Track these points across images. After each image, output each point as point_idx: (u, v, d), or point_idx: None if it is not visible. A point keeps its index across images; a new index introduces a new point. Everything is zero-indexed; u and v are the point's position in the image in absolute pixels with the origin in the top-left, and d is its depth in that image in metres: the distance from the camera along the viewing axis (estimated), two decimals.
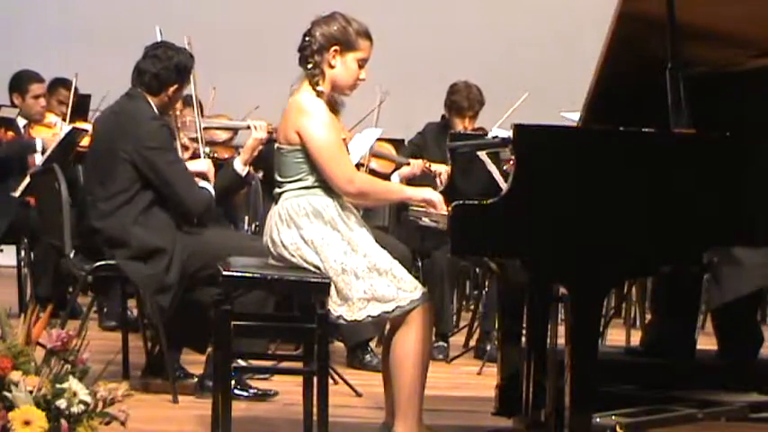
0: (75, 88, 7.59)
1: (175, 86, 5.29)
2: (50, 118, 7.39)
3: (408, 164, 6.78)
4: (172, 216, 5.19)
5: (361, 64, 4.23)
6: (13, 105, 7.43)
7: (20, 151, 7.15)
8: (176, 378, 5.18)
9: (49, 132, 7.22)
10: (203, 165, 5.51)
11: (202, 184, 5.36)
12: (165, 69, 5.25)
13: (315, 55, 4.21)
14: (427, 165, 6.81)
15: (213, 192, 5.38)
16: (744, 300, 4.85)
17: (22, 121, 7.37)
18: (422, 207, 4.33)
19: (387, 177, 6.73)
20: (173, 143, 5.30)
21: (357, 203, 4.25)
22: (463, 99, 6.97)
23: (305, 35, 4.24)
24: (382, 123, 7.03)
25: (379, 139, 6.82)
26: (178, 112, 5.65)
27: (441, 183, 6.42)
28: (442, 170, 6.50)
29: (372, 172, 6.66)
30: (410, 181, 6.64)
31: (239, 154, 6.05)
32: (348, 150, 4.34)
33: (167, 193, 5.16)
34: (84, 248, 5.27)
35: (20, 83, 7.43)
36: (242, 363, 4.58)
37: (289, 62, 4.34)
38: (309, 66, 4.22)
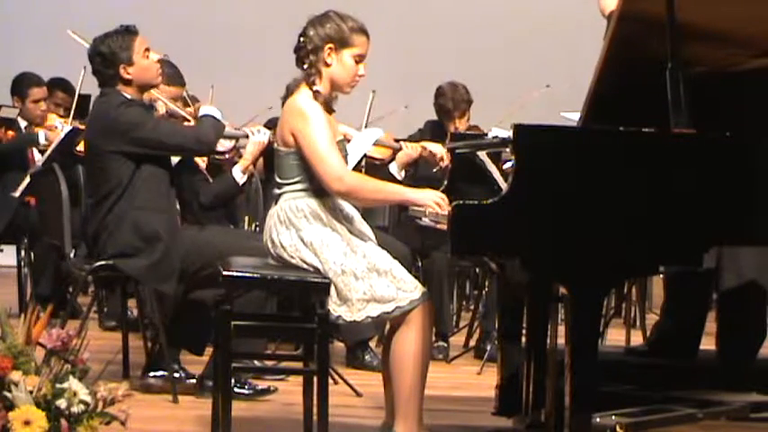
0: (77, 90, 7.60)
1: (122, 65, 5.18)
2: (52, 120, 7.39)
3: (401, 147, 6.72)
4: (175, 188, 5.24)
5: (358, 60, 4.22)
6: (14, 107, 7.44)
7: (21, 143, 7.15)
8: (176, 378, 5.18)
9: (52, 135, 7.22)
10: (205, 109, 5.44)
11: (204, 111, 5.35)
12: (101, 62, 5.19)
13: (310, 54, 4.20)
14: (426, 149, 6.75)
15: (217, 113, 5.33)
16: (754, 287, 4.87)
17: (22, 123, 7.37)
18: (420, 208, 4.32)
19: (385, 164, 6.73)
20: (147, 113, 5.23)
21: (351, 203, 4.24)
22: (448, 101, 6.99)
23: (300, 36, 4.23)
24: (380, 123, 7.03)
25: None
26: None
27: (442, 166, 6.39)
28: (441, 151, 6.43)
29: (371, 158, 6.63)
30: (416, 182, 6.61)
31: (240, 156, 6.01)
32: (347, 151, 4.34)
33: (169, 151, 5.18)
34: (88, 249, 5.28)
35: (21, 87, 7.44)
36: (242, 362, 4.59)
37: (288, 62, 4.33)
38: (305, 66, 4.22)
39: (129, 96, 5.19)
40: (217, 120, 5.33)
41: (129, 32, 5.25)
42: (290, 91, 4.24)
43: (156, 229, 5.08)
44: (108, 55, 5.18)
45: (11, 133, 7.26)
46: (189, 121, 5.54)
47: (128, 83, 5.21)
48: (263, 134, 5.62)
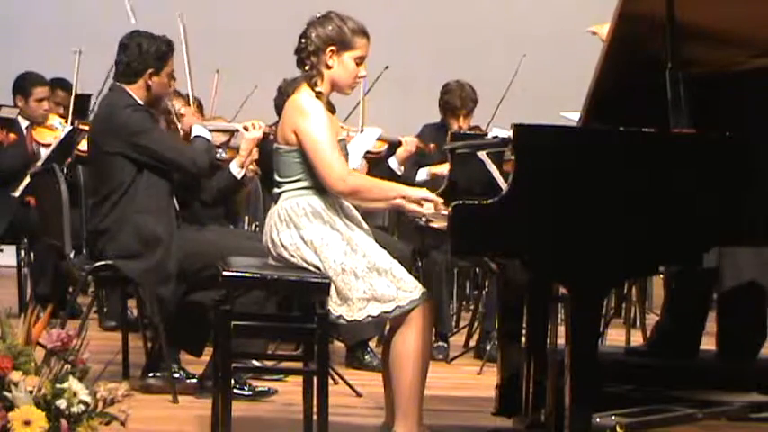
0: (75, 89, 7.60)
1: (151, 71, 5.21)
2: (53, 120, 7.39)
3: (400, 143, 6.77)
4: (172, 196, 5.25)
5: (359, 62, 4.23)
6: (16, 107, 7.44)
7: (23, 163, 7.14)
8: (176, 378, 5.18)
9: (52, 134, 7.23)
10: (198, 130, 5.46)
11: (195, 131, 5.37)
12: (136, 56, 5.20)
13: (311, 56, 4.20)
14: (420, 144, 6.82)
15: (208, 135, 5.37)
16: (754, 287, 4.87)
17: (24, 123, 7.38)
18: (419, 207, 4.30)
19: (381, 158, 6.74)
20: (153, 122, 5.25)
21: (353, 203, 4.24)
22: (456, 98, 7.01)
23: (301, 37, 4.23)
24: (380, 123, 7.03)
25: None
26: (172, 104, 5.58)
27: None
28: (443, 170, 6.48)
29: (368, 152, 6.64)
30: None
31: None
32: (347, 151, 4.34)
33: (168, 166, 5.18)
34: (88, 249, 5.28)
35: (23, 85, 7.44)
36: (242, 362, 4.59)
37: (286, 61, 4.33)
38: (307, 67, 4.22)
39: (137, 100, 5.20)
40: (208, 142, 5.37)
41: (170, 47, 5.30)
42: (282, 92, 4.24)
43: (156, 233, 5.09)
44: (144, 53, 5.20)
45: (12, 136, 7.26)
46: (179, 133, 5.54)
47: (143, 88, 5.22)
48: (258, 129, 5.59)
